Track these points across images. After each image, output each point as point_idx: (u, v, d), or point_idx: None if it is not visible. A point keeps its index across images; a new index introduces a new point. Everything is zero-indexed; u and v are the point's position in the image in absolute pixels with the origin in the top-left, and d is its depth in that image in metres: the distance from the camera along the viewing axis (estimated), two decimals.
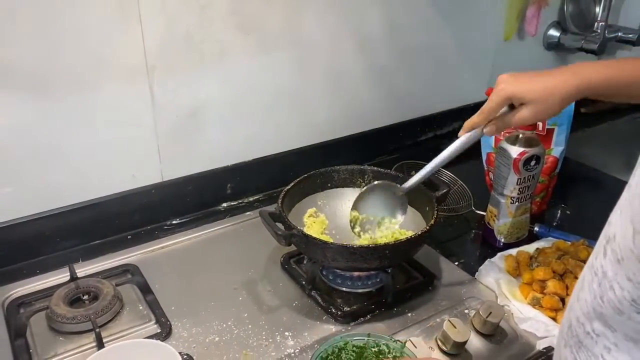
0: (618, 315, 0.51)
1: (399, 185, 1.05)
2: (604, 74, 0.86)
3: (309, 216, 1.14)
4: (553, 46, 1.78)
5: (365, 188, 1.08)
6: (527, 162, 1.10)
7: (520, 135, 1.11)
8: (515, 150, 1.10)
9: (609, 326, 0.53)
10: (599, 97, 0.89)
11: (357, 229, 1.07)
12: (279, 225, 1.00)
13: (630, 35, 1.73)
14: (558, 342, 0.63)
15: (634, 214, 0.48)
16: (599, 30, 1.69)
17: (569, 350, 0.58)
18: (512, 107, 0.91)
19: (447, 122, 1.65)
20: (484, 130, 0.93)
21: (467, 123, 0.94)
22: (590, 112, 1.85)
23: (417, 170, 1.13)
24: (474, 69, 1.66)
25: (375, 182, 1.08)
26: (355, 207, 1.07)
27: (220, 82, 1.24)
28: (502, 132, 1.22)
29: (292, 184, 1.12)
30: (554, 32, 1.76)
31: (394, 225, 1.07)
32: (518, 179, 1.12)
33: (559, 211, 1.36)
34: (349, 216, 1.07)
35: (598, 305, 0.53)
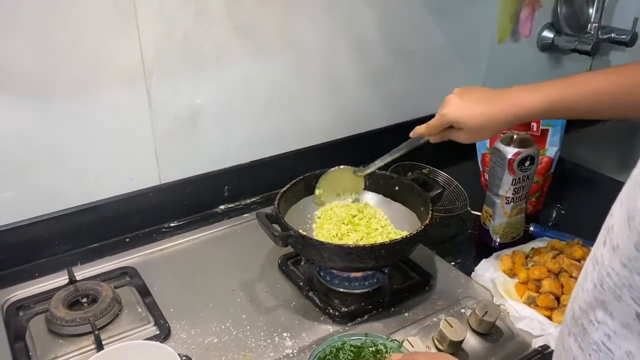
0: (617, 302, 0.52)
1: (356, 168, 1.17)
2: (546, 104, 0.91)
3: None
4: (547, 47, 1.79)
5: (329, 170, 1.17)
6: (521, 162, 1.11)
7: (515, 136, 1.12)
8: (509, 151, 1.11)
9: (610, 313, 0.53)
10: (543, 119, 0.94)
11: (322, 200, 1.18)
12: (276, 226, 1.01)
13: (623, 36, 1.74)
14: (561, 332, 0.63)
15: (629, 199, 0.49)
16: (592, 32, 1.70)
17: (572, 338, 0.59)
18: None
19: None
20: (430, 139, 1.04)
21: (416, 130, 1.05)
22: None
23: (413, 172, 1.16)
24: (469, 71, 1.67)
25: (341, 166, 1.18)
26: (319, 186, 1.17)
27: (217, 85, 1.24)
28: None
29: (288, 185, 1.12)
30: (547, 34, 1.77)
31: (353, 197, 1.20)
32: (513, 179, 1.13)
33: (554, 211, 1.37)
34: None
35: (599, 293, 0.54)
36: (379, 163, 1.12)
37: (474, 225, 1.29)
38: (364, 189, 1.21)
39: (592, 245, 1.15)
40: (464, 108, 0.95)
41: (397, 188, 1.17)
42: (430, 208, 1.06)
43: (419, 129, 1.04)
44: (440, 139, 1.02)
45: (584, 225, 1.23)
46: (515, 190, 1.14)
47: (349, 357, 0.86)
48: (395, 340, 0.88)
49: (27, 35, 1.00)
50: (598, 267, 0.54)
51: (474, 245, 1.25)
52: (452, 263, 1.16)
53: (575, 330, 0.59)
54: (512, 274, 1.09)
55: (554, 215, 1.36)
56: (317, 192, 1.17)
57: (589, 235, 1.14)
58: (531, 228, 1.25)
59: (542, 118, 1.00)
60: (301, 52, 1.33)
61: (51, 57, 1.04)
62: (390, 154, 1.10)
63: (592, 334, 0.55)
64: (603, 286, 0.53)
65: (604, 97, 0.89)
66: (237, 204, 1.36)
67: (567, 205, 1.38)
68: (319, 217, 1.15)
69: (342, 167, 1.18)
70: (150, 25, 1.11)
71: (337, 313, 1.00)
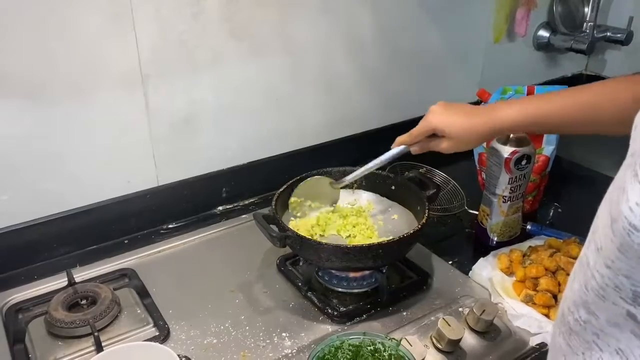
0: (601, 301, 0.52)
1: (334, 181, 1.16)
2: (520, 116, 0.94)
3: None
4: (543, 47, 1.80)
5: (307, 179, 1.15)
6: (518, 161, 1.12)
7: (512, 135, 1.13)
8: (506, 150, 1.11)
9: (592, 313, 0.54)
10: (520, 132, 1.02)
11: (296, 212, 1.15)
12: (273, 227, 1.01)
13: (618, 35, 1.75)
14: (553, 332, 0.64)
15: (611, 203, 0.50)
16: (587, 31, 1.71)
17: (561, 337, 0.60)
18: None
19: None
20: (411, 149, 1.05)
21: (398, 139, 1.06)
22: None
23: (410, 172, 1.16)
24: (465, 71, 1.68)
25: (317, 176, 1.16)
26: (295, 194, 1.14)
27: (214, 87, 1.25)
28: None
29: (285, 186, 1.13)
30: (543, 33, 1.77)
31: (328, 213, 1.17)
32: (510, 178, 1.13)
33: (551, 209, 1.37)
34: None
35: (583, 293, 0.55)
36: (357, 175, 1.12)
37: (471, 224, 1.29)
38: (353, 189, 1.21)
39: None
40: (448, 116, 0.98)
41: (393, 187, 1.18)
42: (427, 207, 1.06)
43: (401, 138, 1.05)
44: (421, 150, 1.04)
45: (581, 224, 1.22)
46: (512, 189, 1.15)
47: (348, 357, 0.86)
48: (394, 339, 0.88)
49: (24, 38, 1.00)
50: (584, 269, 0.55)
51: (471, 244, 1.25)
52: (450, 262, 1.16)
53: (563, 329, 0.60)
54: (509, 272, 1.09)
55: (550, 213, 1.36)
56: (291, 199, 1.14)
57: (585, 233, 1.13)
58: (528, 227, 1.25)
59: (519, 131, 1.06)
60: (297, 53, 1.33)
61: (47, 60, 1.04)
62: (368, 165, 1.09)
63: (582, 333, 0.56)
64: (587, 287, 0.54)
65: (576, 111, 0.92)
66: (235, 205, 1.36)
67: (564, 203, 1.39)
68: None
69: (317, 176, 1.16)
70: (147, 28, 1.11)
71: (335, 313, 1.01)
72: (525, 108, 0.94)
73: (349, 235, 1.11)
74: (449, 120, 0.98)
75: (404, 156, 1.08)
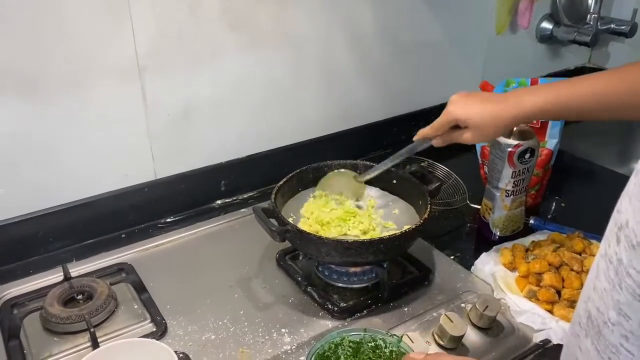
0: (637, 302, 0.50)
1: (357, 174, 1.16)
2: (543, 102, 0.91)
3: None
4: (546, 39, 1.78)
5: (331, 172, 1.17)
6: (521, 154, 1.10)
7: (515, 128, 1.11)
8: (509, 143, 1.10)
9: (624, 314, 0.52)
10: (545, 120, 0.94)
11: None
12: (273, 221, 1.00)
13: (622, 27, 1.73)
14: (575, 332, 0.61)
15: None
16: (591, 22, 1.69)
17: (589, 341, 0.58)
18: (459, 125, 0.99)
19: None
20: (432, 142, 1.03)
21: (420, 132, 1.04)
22: None
23: (412, 165, 1.15)
24: (467, 63, 1.66)
25: (342, 170, 1.17)
26: (320, 187, 1.17)
27: (212, 80, 1.23)
28: None
29: (285, 179, 1.11)
30: (546, 25, 1.76)
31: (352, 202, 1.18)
32: (513, 172, 1.12)
33: (554, 204, 1.35)
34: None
35: (616, 293, 0.52)
36: (380, 169, 1.11)
37: (473, 219, 1.28)
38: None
39: (592, 237, 1.13)
40: (470, 106, 0.96)
41: (395, 181, 1.16)
42: (429, 202, 1.05)
43: (423, 131, 1.03)
44: (444, 142, 1.02)
45: (584, 218, 1.22)
46: (515, 183, 1.13)
47: (348, 353, 0.85)
48: (395, 335, 0.87)
49: (19, 33, 0.98)
50: (614, 267, 0.53)
51: (473, 239, 1.24)
52: (452, 257, 1.15)
53: (592, 332, 0.57)
54: (512, 267, 1.08)
55: (553, 207, 1.34)
56: (316, 192, 1.16)
57: (589, 227, 1.14)
58: (531, 221, 1.23)
59: (545, 117, 1.00)
60: (297, 45, 1.32)
61: (44, 54, 1.02)
62: (391, 158, 1.08)
63: (608, 336, 0.54)
64: (621, 286, 0.51)
65: (609, 97, 0.88)
66: (234, 198, 1.35)
67: (567, 197, 1.37)
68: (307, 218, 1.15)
69: (342, 170, 1.16)
70: (144, 20, 1.10)
71: (335, 308, 0.99)
72: (556, 93, 0.91)
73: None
74: (470, 110, 0.95)
75: None
